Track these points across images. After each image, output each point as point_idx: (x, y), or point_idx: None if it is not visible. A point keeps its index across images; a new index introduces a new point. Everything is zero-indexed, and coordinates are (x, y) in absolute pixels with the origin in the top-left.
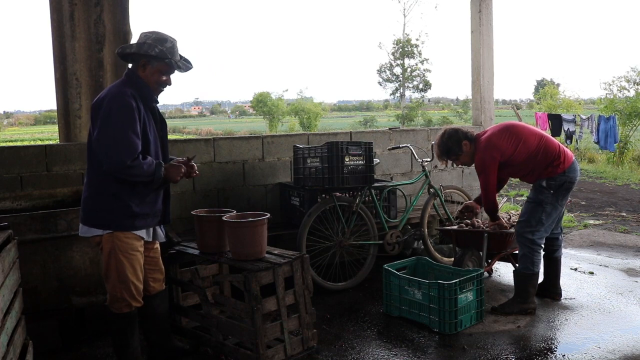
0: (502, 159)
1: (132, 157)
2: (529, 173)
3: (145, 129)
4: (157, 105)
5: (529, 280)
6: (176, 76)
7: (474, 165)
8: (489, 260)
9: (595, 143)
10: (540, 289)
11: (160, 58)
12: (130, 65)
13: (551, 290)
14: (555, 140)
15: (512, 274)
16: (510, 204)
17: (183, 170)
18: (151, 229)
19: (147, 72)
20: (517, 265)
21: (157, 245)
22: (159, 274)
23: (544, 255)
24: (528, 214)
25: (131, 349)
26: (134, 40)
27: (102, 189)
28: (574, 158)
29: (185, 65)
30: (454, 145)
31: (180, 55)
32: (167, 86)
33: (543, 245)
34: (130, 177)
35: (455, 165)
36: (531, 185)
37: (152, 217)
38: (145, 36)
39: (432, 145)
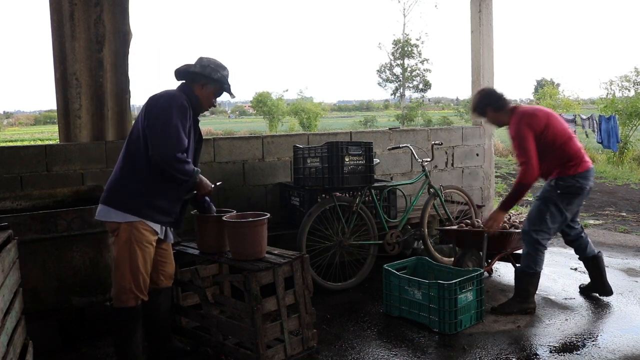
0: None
1: (181, 151)
2: (543, 163)
3: (189, 135)
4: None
5: (529, 279)
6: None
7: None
8: (489, 260)
9: (599, 143)
10: (589, 289)
11: (220, 82)
12: (183, 82)
13: (600, 289)
14: (580, 144)
15: (512, 274)
16: None
17: (210, 189)
18: (165, 229)
19: (204, 91)
20: (517, 265)
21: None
22: (170, 268)
23: (581, 258)
24: (534, 212)
25: (133, 346)
26: (134, 41)
27: (136, 176)
28: (591, 166)
29: (232, 92)
30: (478, 105)
31: None
32: (213, 107)
33: (547, 247)
34: (173, 170)
35: (454, 165)
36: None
37: (169, 216)
38: (208, 61)
39: (432, 145)
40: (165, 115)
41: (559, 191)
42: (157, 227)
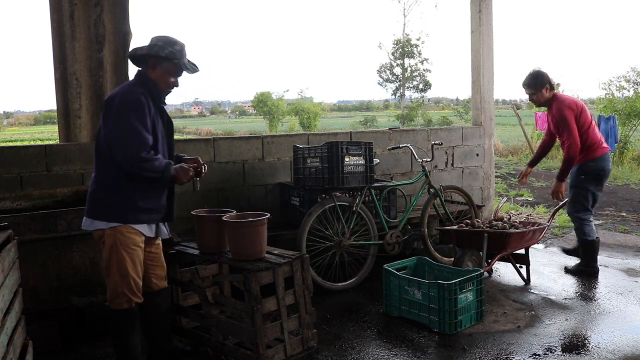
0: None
1: (146, 151)
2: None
3: (155, 127)
4: (165, 106)
5: (587, 246)
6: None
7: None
8: (489, 260)
9: None
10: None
11: (169, 59)
12: (141, 68)
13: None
14: (599, 135)
15: (512, 274)
16: (510, 204)
17: (191, 173)
18: (154, 225)
19: (157, 73)
20: (517, 265)
21: (159, 242)
22: (161, 270)
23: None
24: (573, 197)
25: (131, 347)
26: (134, 41)
27: (109, 183)
28: (608, 150)
29: (192, 67)
30: (541, 81)
31: (188, 60)
32: (175, 87)
33: (591, 219)
34: (142, 171)
35: (454, 165)
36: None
37: (155, 213)
38: (156, 39)
39: (432, 145)
40: (120, 118)
41: (582, 176)
42: (143, 227)
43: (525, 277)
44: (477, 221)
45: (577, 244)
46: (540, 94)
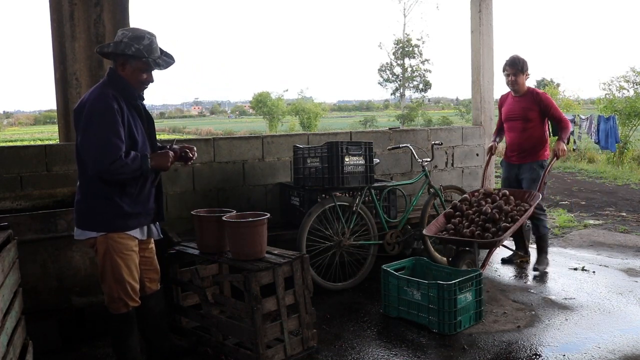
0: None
1: (114, 159)
2: (537, 139)
3: (132, 128)
4: (144, 102)
5: (545, 239)
6: (175, 75)
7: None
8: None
9: (595, 143)
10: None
11: (137, 57)
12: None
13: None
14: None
15: (512, 274)
16: None
17: (171, 156)
18: (145, 227)
19: (127, 71)
20: (512, 250)
21: (152, 245)
22: (155, 273)
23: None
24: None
25: (130, 348)
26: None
27: (93, 192)
28: None
29: (165, 61)
30: (522, 63)
31: (161, 50)
32: (150, 83)
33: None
34: (117, 176)
35: (454, 165)
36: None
37: (145, 216)
38: (122, 34)
39: (432, 145)
40: (88, 129)
41: (542, 171)
42: (134, 232)
43: (521, 250)
44: (466, 197)
45: (514, 251)
46: (521, 77)
